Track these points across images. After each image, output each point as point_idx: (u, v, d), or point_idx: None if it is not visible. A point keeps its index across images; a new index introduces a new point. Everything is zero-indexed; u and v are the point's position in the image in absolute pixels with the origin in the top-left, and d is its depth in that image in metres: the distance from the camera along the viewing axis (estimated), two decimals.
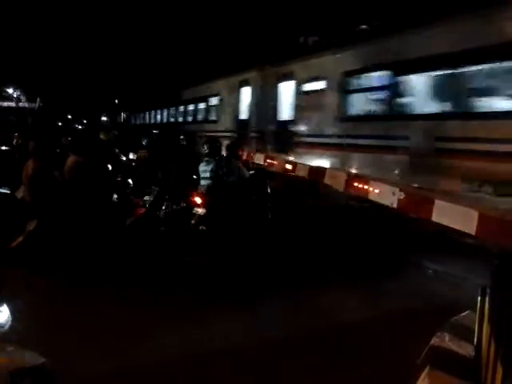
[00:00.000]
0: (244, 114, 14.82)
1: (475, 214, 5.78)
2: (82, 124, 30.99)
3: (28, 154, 6.15)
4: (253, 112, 14.19)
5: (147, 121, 30.21)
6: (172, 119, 24.00)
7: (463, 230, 6.04)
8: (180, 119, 22.41)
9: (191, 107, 20.72)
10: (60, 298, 4.67)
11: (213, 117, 17.58)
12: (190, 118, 20.93)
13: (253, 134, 13.95)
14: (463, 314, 3.47)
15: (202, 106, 19.16)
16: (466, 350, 2.94)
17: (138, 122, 33.19)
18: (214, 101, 17.57)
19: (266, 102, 13.45)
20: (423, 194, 7.17)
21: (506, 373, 1.94)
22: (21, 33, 37.02)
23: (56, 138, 8.18)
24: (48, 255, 5.39)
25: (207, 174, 6.89)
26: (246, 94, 14.71)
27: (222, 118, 16.54)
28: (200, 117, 19.36)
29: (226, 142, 13.61)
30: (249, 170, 7.19)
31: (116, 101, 41.08)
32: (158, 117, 27.33)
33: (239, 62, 16.37)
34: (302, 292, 5.24)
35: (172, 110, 24.04)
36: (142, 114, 32.19)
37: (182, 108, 22.24)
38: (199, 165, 7.25)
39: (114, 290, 4.97)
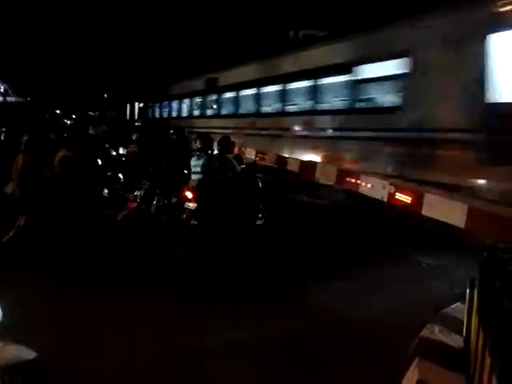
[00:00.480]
0: None
1: (464, 208, 5.86)
2: (70, 119, 30.60)
3: (16, 149, 6.08)
4: None
5: (186, 111, 21.63)
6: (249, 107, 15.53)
7: (453, 224, 6.12)
8: (267, 108, 14.21)
9: (295, 85, 12.63)
10: (51, 293, 4.63)
11: (383, 102, 9.67)
12: (297, 105, 12.72)
13: None
14: (452, 305, 3.51)
15: (332, 80, 11.10)
16: (455, 341, 2.98)
17: (167, 113, 25.03)
18: (384, 69, 9.40)
19: None
20: (413, 187, 7.23)
21: (494, 363, 1.97)
22: (8, 27, 36.49)
23: (46, 133, 8.12)
24: (38, 250, 5.35)
25: (198, 169, 6.89)
26: None
27: (416, 102, 8.53)
28: (330, 101, 11.32)
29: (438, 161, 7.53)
30: (241, 164, 7.18)
31: (105, 95, 40.68)
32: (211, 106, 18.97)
33: None
34: (295, 286, 5.25)
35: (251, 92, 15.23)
36: (173, 104, 24.18)
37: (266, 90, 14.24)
38: (190, 159, 7.24)
39: (105, 285, 4.95)
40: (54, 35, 37.42)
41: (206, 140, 7.24)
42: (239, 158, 7.59)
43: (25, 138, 5.91)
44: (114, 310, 4.36)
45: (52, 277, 5.02)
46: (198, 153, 7.07)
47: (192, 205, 6.63)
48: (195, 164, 6.95)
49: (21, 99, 37.76)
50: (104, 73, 37.72)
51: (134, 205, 6.72)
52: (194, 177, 6.95)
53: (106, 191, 6.30)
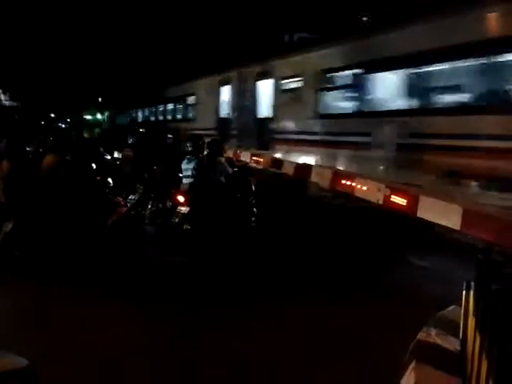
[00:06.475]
0: None
1: (460, 210, 5.86)
2: (65, 123, 30.39)
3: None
4: None
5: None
6: None
7: (448, 226, 6.12)
8: None
9: None
10: (39, 300, 4.57)
11: None
12: None
13: None
14: (449, 308, 3.50)
15: None
16: (451, 344, 2.97)
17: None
18: None
19: None
20: (408, 190, 7.24)
21: (491, 366, 1.95)
22: (1, 30, 36.32)
23: (32, 137, 8.05)
24: (26, 256, 5.29)
25: (189, 172, 6.81)
26: None
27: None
28: None
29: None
30: (233, 167, 7.14)
31: (100, 99, 40.57)
32: None
33: None
34: (287, 290, 5.22)
35: None
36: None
37: None
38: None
39: (94, 291, 4.88)
40: (49, 38, 37.28)
41: (198, 142, 7.17)
42: (231, 161, 7.56)
43: (1, 144, 5.87)
44: (106, 316, 4.31)
45: (40, 283, 4.95)
46: (188, 156, 6.99)
47: (184, 209, 6.57)
48: (186, 167, 6.86)
49: (15, 103, 37.55)
50: (100, 76, 37.60)
51: (124, 209, 6.64)
52: (185, 180, 6.87)
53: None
